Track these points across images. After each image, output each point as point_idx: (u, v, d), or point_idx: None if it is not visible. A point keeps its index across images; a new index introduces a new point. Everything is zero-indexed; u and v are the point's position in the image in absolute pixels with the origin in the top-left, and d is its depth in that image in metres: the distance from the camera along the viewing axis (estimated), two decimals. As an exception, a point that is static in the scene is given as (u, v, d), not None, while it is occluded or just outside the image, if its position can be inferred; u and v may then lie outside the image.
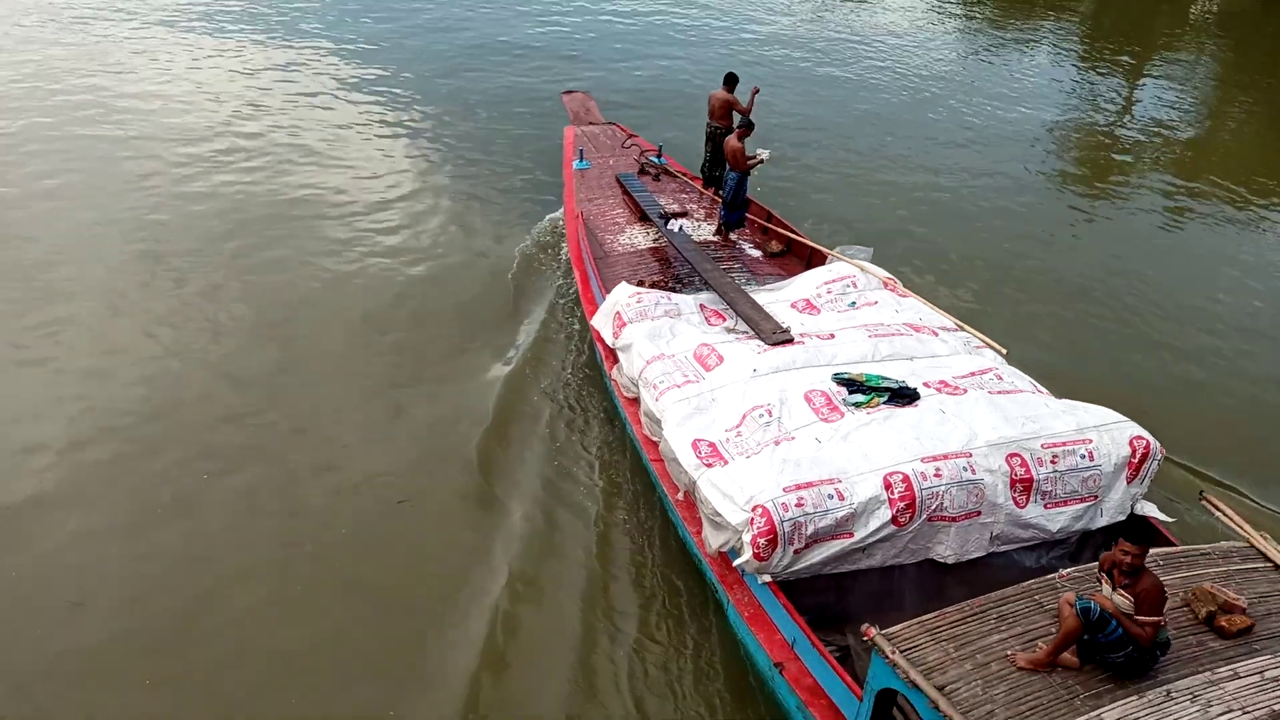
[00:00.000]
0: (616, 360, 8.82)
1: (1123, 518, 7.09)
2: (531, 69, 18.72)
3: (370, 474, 8.39)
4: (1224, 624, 5.43)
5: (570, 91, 14.91)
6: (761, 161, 10.62)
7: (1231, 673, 5.20)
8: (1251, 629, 5.46)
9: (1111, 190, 15.33)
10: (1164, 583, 5.69)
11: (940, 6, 26.37)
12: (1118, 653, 5.02)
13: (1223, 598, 5.58)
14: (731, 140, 10.60)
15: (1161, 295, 12.03)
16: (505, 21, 21.64)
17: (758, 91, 11.37)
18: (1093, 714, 4.93)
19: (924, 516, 6.60)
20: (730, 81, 11.43)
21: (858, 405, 7.37)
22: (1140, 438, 7.13)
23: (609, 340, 8.96)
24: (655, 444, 7.85)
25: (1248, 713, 4.94)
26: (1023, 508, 6.86)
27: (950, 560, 6.75)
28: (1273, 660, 5.29)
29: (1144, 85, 21.09)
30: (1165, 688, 5.08)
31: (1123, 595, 5.00)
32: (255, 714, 6.39)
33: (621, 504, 8.26)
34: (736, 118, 11.05)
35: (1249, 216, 14.50)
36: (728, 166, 10.68)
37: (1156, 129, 18.00)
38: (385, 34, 20.17)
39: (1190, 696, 5.03)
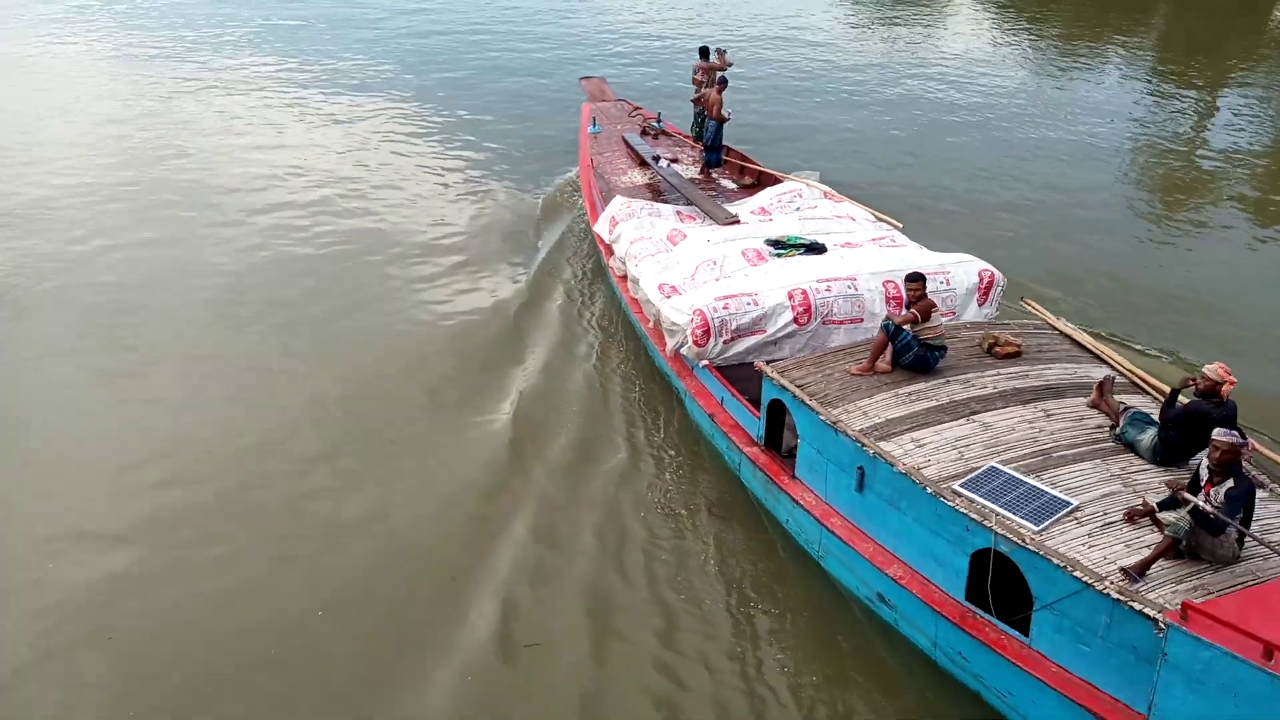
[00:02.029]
0: (612, 252, 11.89)
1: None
2: (550, 69, 22.48)
3: (440, 326, 11.86)
4: (998, 350, 8.26)
5: (588, 77, 18.29)
6: (727, 119, 13.79)
7: (995, 372, 8.03)
8: (1020, 354, 8.29)
9: (1191, 206, 16.18)
10: (968, 337, 8.58)
11: (1006, 27, 28.57)
12: (908, 354, 7.88)
13: (1004, 337, 8.41)
14: (711, 93, 13.76)
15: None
16: (529, 36, 25.45)
17: (723, 51, 14.48)
18: (892, 390, 7.80)
19: (819, 320, 9.49)
20: (704, 54, 14.63)
21: (779, 255, 10.33)
22: (986, 270, 9.97)
23: (606, 238, 12.05)
24: (637, 301, 10.88)
25: (996, 388, 7.77)
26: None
27: (841, 354, 9.62)
28: (1029, 367, 8.11)
29: (1222, 96, 22.09)
30: (945, 378, 7.93)
31: (908, 313, 7.88)
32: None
33: (612, 346, 11.38)
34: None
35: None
36: (707, 116, 13.80)
37: (1234, 143, 18.75)
38: (423, 60, 23.81)
39: (961, 381, 7.89)
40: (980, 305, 9.95)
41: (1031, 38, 28.27)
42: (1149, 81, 23.73)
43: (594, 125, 15.84)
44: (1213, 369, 6.50)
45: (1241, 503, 5.60)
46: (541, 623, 7.69)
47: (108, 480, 9.16)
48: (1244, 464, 5.94)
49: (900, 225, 11.28)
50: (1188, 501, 5.62)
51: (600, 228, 12.30)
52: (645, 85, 20.95)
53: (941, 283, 9.79)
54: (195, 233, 14.31)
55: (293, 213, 14.97)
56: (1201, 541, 5.64)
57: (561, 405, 10.41)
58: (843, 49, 25.79)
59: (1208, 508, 5.53)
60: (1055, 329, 9.01)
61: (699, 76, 14.86)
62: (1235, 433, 5.89)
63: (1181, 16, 31.79)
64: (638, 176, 14.30)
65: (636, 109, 16.70)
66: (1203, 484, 5.85)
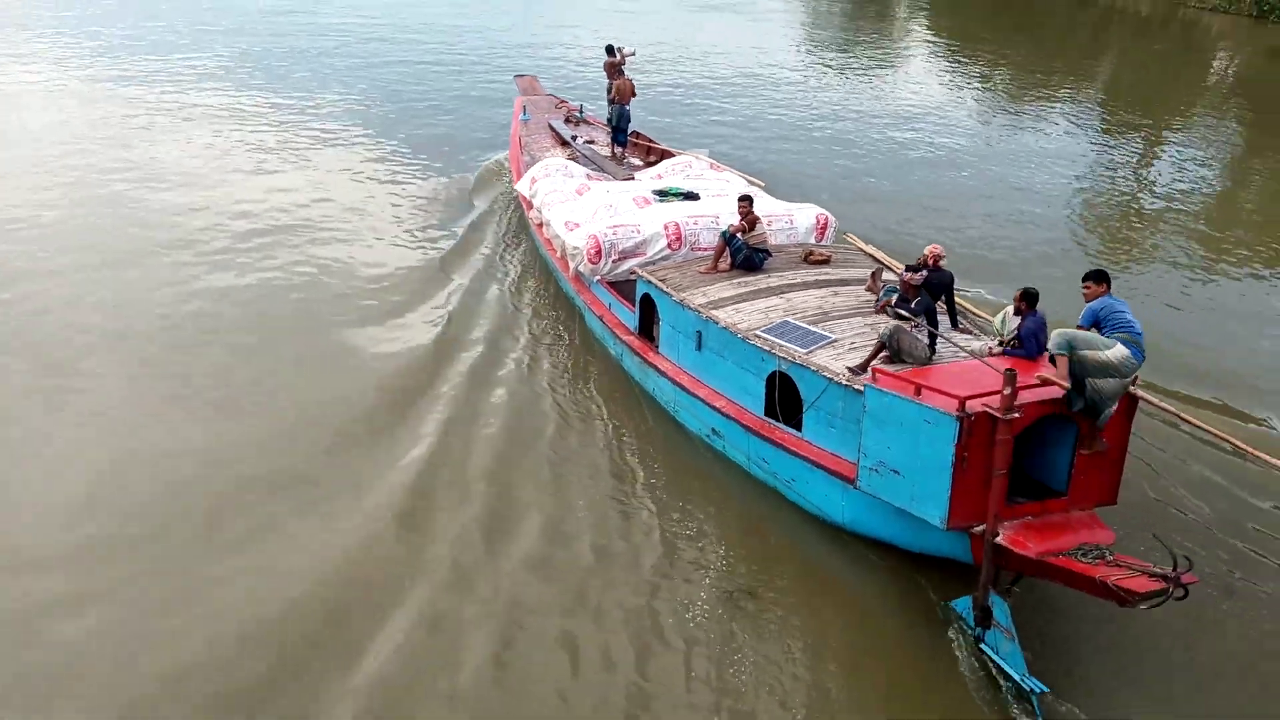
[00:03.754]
0: (531, 205, 14.88)
1: (816, 261, 13.04)
2: (487, 69, 25.56)
3: (377, 273, 14.58)
4: (811, 258, 11.39)
5: (522, 75, 21.43)
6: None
7: (806, 271, 11.17)
8: (828, 262, 11.41)
9: (1135, 251, 17.46)
10: (793, 251, 11.69)
11: (958, 74, 31.86)
12: (740, 255, 10.96)
13: (817, 250, 11.55)
14: (623, 82, 16.95)
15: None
16: (468, 44, 28.61)
17: (622, 49, 17.85)
18: (727, 280, 10.86)
19: (688, 247, 12.52)
20: (610, 51, 17.87)
21: (662, 200, 13.40)
22: (823, 214, 13.11)
23: (527, 194, 15.05)
24: (550, 241, 13.85)
25: (803, 280, 10.89)
26: (750, 248, 12.80)
27: (706, 275, 12.68)
28: (832, 270, 11.25)
29: (1165, 147, 24.19)
30: (768, 274, 11.04)
31: (740, 223, 10.98)
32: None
33: (530, 280, 14.45)
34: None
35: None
36: (618, 102, 16.95)
37: (1178, 190, 20.47)
38: (367, 66, 26.99)
39: (779, 276, 11.01)
40: (818, 241, 13.08)
41: (982, 71, 31.97)
42: (1090, 120, 26.52)
43: (524, 114, 18.91)
44: (928, 249, 9.66)
45: (920, 310, 8.76)
46: (473, 433, 10.69)
47: (41, 508, 9.41)
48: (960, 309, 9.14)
49: (763, 184, 14.45)
50: (887, 307, 8.78)
51: (522, 186, 15.33)
52: (572, 82, 24.25)
53: (786, 222, 12.92)
54: (138, 233, 15.57)
55: (239, 212, 16.69)
56: (902, 346, 8.71)
57: (482, 321, 13.31)
58: (788, 69, 29.57)
59: (899, 310, 8.73)
60: (863, 251, 12.18)
61: (609, 72, 18.08)
62: (921, 274, 9.12)
63: (1126, 66, 35.39)
64: (559, 154, 17.34)
65: (562, 102, 19.85)
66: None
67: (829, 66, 31.96)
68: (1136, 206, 19.95)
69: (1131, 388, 8.05)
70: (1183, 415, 8.35)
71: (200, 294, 13.75)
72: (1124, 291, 15.25)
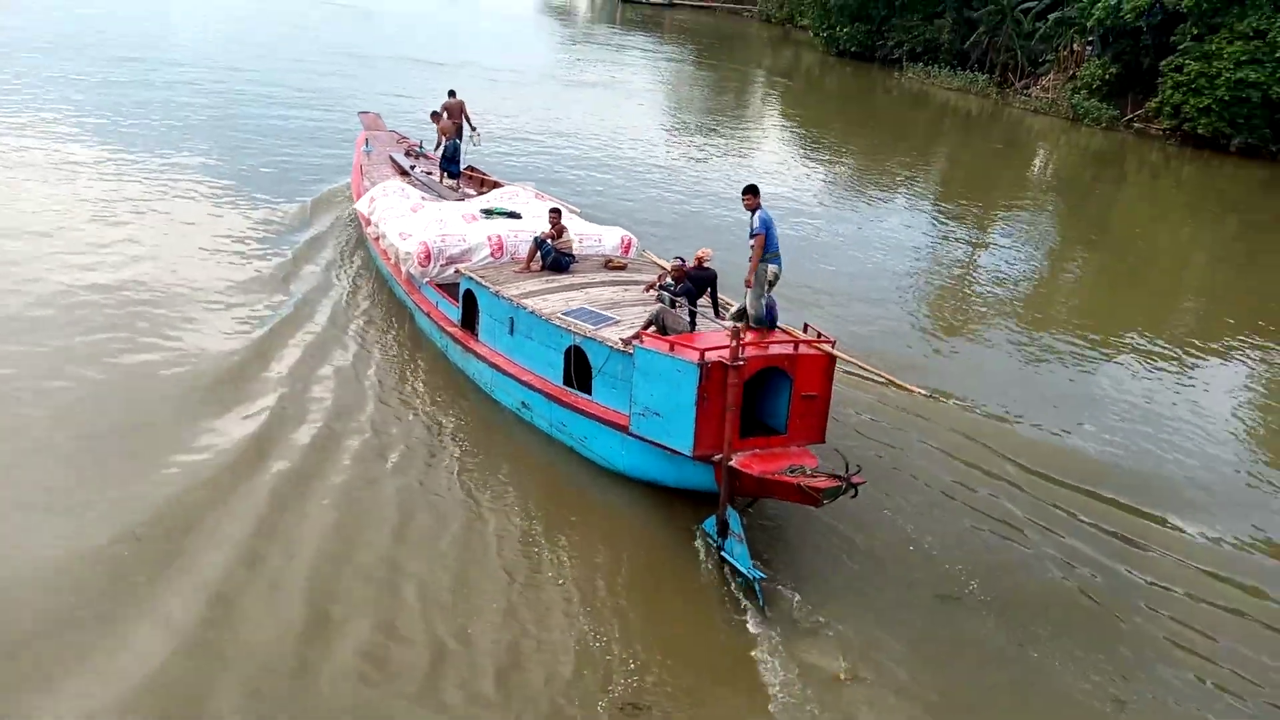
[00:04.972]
0: (370, 222, 17.19)
1: (620, 274, 15.85)
2: (334, 111, 27.88)
3: (219, 274, 16.46)
4: (610, 265, 14.19)
5: (365, 112, 23.87)
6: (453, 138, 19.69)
7: (604, 274, 13.92)
8: (624, 268, 14.23)
9: (963, 335, 19.00)
10: (597, 259, 14.45)
11: (803, 152, 35.34)
12: (549, 257, 13.64)
13: (616, 258, 14.35)
14: (447, 123, 19.57)
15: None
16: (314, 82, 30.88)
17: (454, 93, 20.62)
18: (537, 278, 13.48)
19: (509, 256, 15.06)
20: (451, 94, 20.55)
21: (488, 218, 15.98)
22: (627, 235, 15.92)
23: (365, 211, 17.37)
24: (385, 251, 16.17)
25: (601, 279, 13.61)
26: (563, 260, 15.50)
27: (524, 282, 15.28)
28: (626, 273, 14.04)
29: (991, 236, 26.77)
30: (572, 274, 13.74)
31: (550, 230, 13.67)
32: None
33: (364, 287, 16.71)
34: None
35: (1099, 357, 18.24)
36: (449, 138, 19.57)
37: (1001, 278, 22.64)
38: (205, 107, 28.85)
39: (582, 276, 13.73)
40: (625, 255, 15.90)
41: (827, 151, 35.69)
42: (924, 202, 29.83)
43: (367, 146, 21.27)
44: (699, 251, 12.55)
45: (682, 292, 11.61)
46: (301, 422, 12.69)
47: None
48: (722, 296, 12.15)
49: (578, 210, 17.26)
50: (654, 289, 11.58)
51: (361, 205, 17.67)
52: (413, 122, 26.77)
53: (596, 240, 15.65)
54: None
55: (68, 239, 17.26)
56: (666, 322, 11.46)
57: (317, 323, 15.27)
58: (639, 135, 32.91)
59: (665, 294, 11.51)
60: (656, 264, 15.07)
61: (453, 111, 20.74)
62: (680, 261, 12.08)
63: (957, 159, 39.91)
64: (398, 182, 19.75)
65: (403, 138, 22.35)
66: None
67: (680, 134, 35.60)
68: (959, 272, 23.35)
69: (830, 349, 11.05)
70: (864, 366, 11.54)
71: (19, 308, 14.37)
72: (944, 341, 18.62)
